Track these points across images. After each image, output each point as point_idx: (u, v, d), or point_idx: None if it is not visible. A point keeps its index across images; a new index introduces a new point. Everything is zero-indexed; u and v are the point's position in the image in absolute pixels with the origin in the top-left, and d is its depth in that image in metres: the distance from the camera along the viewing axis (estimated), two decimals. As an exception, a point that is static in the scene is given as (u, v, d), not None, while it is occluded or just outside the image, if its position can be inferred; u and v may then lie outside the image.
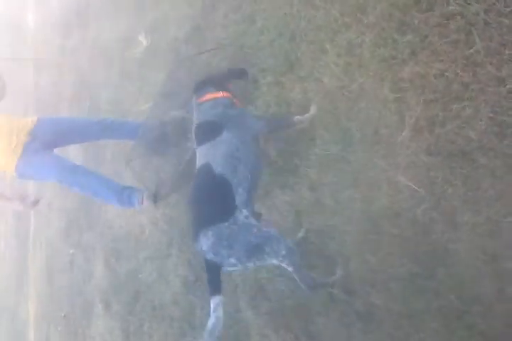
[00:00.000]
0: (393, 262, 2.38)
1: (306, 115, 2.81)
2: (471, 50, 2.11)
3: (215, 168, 2.48)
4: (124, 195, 3.53)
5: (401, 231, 2.36)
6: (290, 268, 2.39)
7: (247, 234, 2.32)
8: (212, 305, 2.26)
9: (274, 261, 2.35)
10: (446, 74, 2.20)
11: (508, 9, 2.00)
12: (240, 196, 2.42)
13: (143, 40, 3.47)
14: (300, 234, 2.83)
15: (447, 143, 2.20)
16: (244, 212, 2.40)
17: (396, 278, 2.37)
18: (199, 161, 2.60)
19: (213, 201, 2.46)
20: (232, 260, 2.30)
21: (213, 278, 2.36)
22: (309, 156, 2.83)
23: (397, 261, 2.36)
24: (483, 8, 2.07)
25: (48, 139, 3.41)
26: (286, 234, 2.59)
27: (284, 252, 2.31)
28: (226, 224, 2.33)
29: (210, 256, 2.32)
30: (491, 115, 2.05)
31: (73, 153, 5.98)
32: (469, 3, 2.12)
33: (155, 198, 3.54)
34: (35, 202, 3.49)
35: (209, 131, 2.64)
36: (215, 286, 2.35)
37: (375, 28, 2.51)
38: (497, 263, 2.04)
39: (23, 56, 9.80)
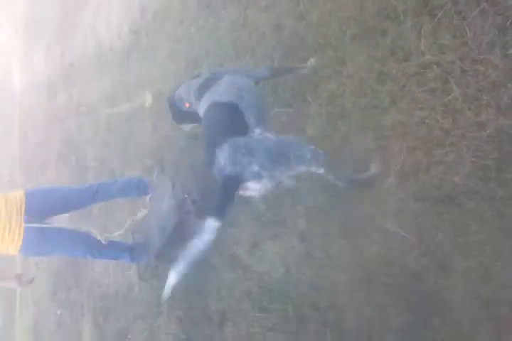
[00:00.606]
0: (388, 312, 2.32)
1: (308, 63, 2.81)
2: (450, 97, 2.17)
3: (220, 99, 2.42)
4: (135, 251, 3.59)
5: (393, 279, 2.32)
6: (321, 171, 2.28)
7: (266, 143, 2.23)
8: (205, 226, 2.12)
9: (303, 167, 2.25)
10: (427, 121, 2.24)
11: (481, 56, 2.07)
12: (250, 117, 2.34)
13: (149, 98, 3.52)
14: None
15: (433, 188, 2.21)
16: (258, 130, 2.31)
17: (392, 329, 2.30)
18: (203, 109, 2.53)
19: (225, 123, 2.37)
20: (255, 167, 2.14)
21: (225, 199, 2.21)
22: (297, 207, 2.82)
23: (391, 311, 2.31)
24: (458, 57, 2.14)
25: (42, 213, 3.36)
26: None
27: (308, 156, 2.22)
28: (241, 138, 2.24)
29: (228, 170, 2.16)
30: (474, 159, 2.08)
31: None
32: (444, 53, 2.20)
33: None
34: (30, 280, 3.49)
35: (211, 81, 2.60)
36: (221, 209, 2.20)
37: (354, 78, 2.57)
38: (492, 309, 2.00)
39: (10, 117, 9.88)
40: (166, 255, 3.58)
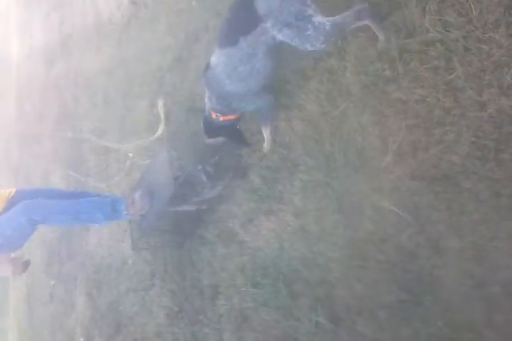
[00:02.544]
0: (380, 289, 2.34)
1: None
2: (452, 76, 2.14)
3: None
4: (106, 206, 3.31)
5: (387, 257, 2.33)
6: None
7: None
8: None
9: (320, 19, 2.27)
10: (428, 99, 2.22)
11: (486, 35, 2.04)
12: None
13: (161, 107, 3.48)
14: None
15: (431, 167, 2.20)
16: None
17: (383, 306, 2.32)
18: None
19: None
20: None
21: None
22: (293, 182, 2.81)
23: (383, 287, 2.33)
24: (462, 35, 2.11)
25: None
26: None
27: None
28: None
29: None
30: (473, 139, 2.06)
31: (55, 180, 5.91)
32: (448, 31, 2.16)
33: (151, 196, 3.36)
34: (26, 264, 3.36)
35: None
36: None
37: (355, 55, 2.54)
38: (484, 288, 2.01)
39: (6, 86, 9.79)
40: (159, 227, 3.61)
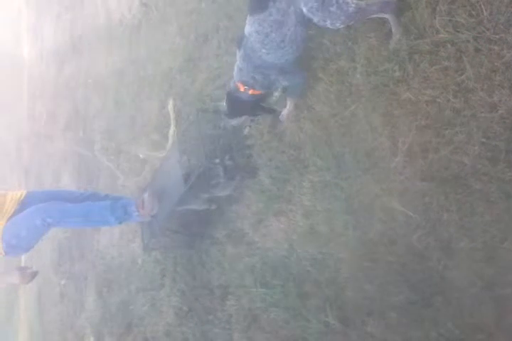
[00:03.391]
0: (390, 290, 2.34)
1: None
2: (462, 77, 2.14)
3: None
4: (118, 209, 3.36)
5: (397, 258, 2.33)
6: None
7: None
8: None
9: None
10: (438, 100, 2.21)
11: (497, 36, 2.03)
12: None
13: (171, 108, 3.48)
14: None
15: (441, 168, 2.19)
16: None
17: (393, 307, 2.32)
18: None
19: None
20: None
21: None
22: (303, 183, 2.81)
23: (393, 288, 2.32)
24: (472, 36, 2.10)
25: None
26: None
27: None
28: None
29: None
30: (484, 140, 2.06)
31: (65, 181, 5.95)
32: (459, 31, 2.16)
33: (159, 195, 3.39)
34: (34, 274, 3.38)
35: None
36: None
37: (366, 55, 2.54)
38: (495, 290, 2.01)
39: (18, 87, 9.88)
40: (169, 227, 3.62)
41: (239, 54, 2.64)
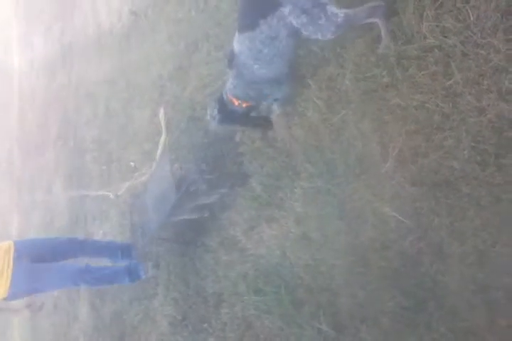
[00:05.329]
0: (382, 296, 2.33)
1: None
2: (450, 81, 2.15)
3: None
4: (131, 272, 3.71)
5: (389, 263, 2.33)
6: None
7: None
8: None
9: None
10: (427, 105, 2.22)
11: (484, 41, 2.05)
12: None
13: (162, 116, 3.49)
14: None
15: (431, 173, 2.20)
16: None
17: (386, 313, 2.31)
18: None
19: None
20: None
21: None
22: (294, 189, 2.81)
23: (386, 294, 2.32)
24: (460, 40, 2.12)
25: (31, 260, 3.53)
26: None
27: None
28: None
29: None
30: (473, 144, 2.06)
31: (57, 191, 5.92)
32: (446, 36, 2.17)
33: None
34: (41, 307, 3.80)
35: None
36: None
37: (354, 61, 2.55)
38: (488, 293, 2.01)
39: (9, 97, 9.85)
40: (162, 236, 3.62)
41: (231, 72, 2.66)
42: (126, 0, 5.55)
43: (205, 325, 3.31)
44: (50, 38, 8.21)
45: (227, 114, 2.87)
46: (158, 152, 3.36)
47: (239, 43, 2.48)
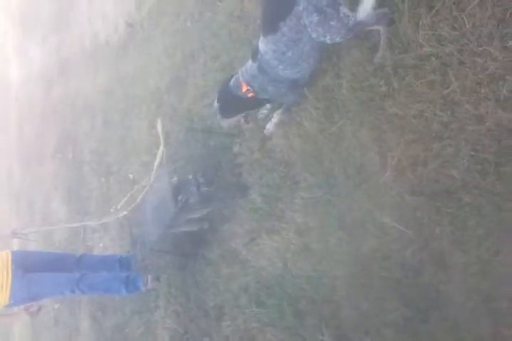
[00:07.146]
0: (385, 307, 2.31)
1: None
2: (448, 90, 2.14)
3: None
4: (129, 283, 3.69)
5: (391, 274, 2.30)
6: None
7: None
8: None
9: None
10: (425, 114, 2.21)
11: (480, 48, 2.04)
12: None
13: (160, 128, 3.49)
14: None
15: (431, 182, 2.18)
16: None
17: (389, 324, 2.29)
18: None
19: None
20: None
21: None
22: (294, 200, 2.80)
23: (389, 305, 2.29)
24: (456, 49, 2.11)
25: (27, 270, 3.55)
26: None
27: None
28: None
29: None
30: (473, 153, 2.05)
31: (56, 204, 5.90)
32: (442, 45, 2.16)
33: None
34: (39, 309, 3.67)
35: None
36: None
37: (351, 71, 2.54)
38: (491, 303, 1.98)
39: (6, 110, 9.86)
40: (161, 248, 3.60)
41: (254, 64, 2.62)
42: (122, 12, 5.56)
43: (207, 339, 3.28)
44: (47, 50, 8.23)
45: (226, 102, 2.85)
46: (156, 163, 3.35)
47: (264, 44, 2.47)
